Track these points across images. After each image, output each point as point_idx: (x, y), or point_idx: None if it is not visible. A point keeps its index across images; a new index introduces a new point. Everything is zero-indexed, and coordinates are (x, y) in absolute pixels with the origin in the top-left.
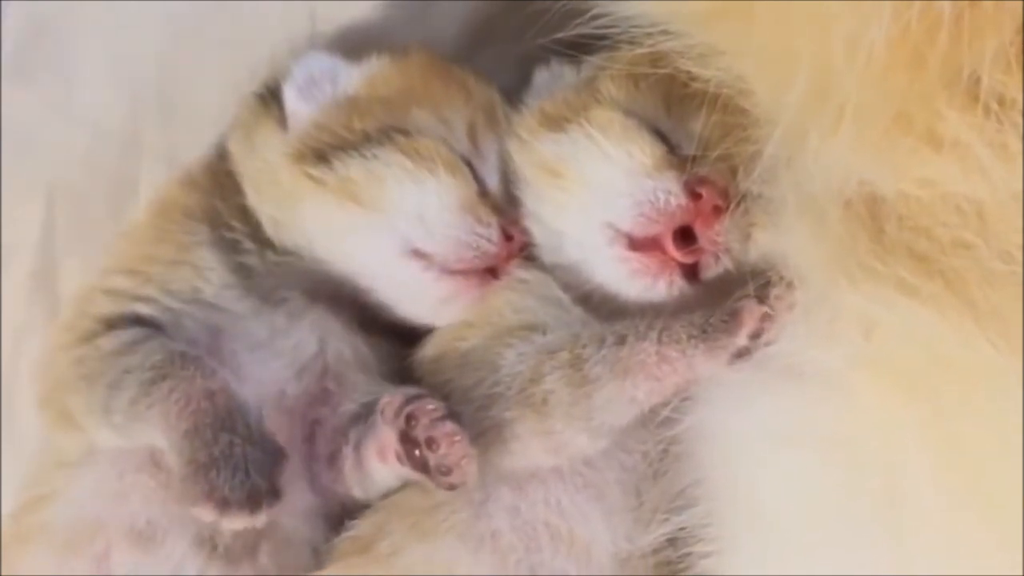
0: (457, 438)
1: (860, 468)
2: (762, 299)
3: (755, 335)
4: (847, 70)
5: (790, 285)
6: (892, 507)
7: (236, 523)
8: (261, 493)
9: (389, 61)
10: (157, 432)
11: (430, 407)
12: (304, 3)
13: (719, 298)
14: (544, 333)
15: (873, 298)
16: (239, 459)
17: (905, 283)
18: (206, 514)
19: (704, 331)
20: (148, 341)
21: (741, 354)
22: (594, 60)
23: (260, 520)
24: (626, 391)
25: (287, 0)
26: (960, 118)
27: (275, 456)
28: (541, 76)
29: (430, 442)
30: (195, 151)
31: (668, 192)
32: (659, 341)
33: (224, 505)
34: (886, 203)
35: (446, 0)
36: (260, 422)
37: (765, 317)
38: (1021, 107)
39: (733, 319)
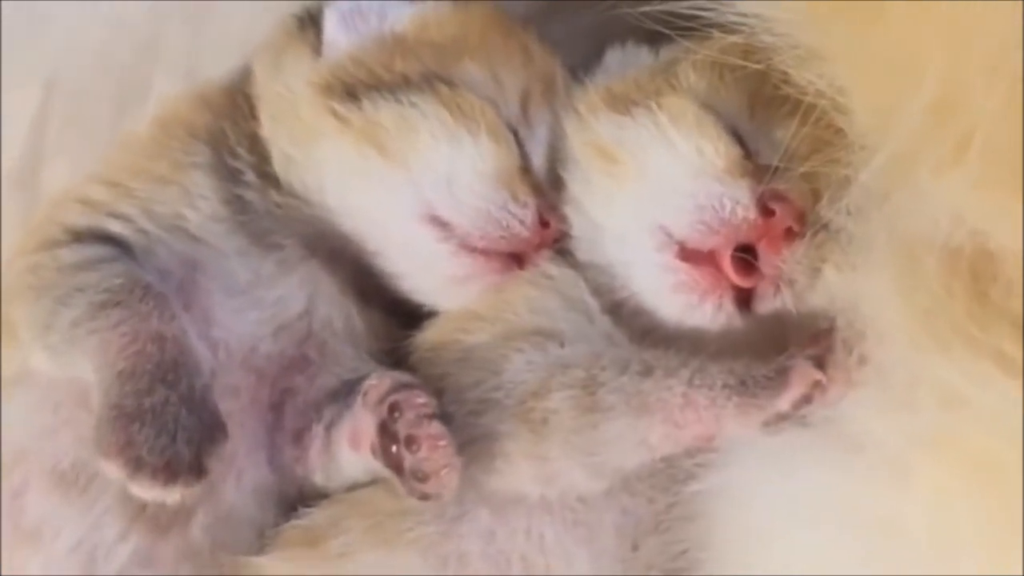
0: (442, 443)
1: (904, 559)
2: (820, 363)
3: (800, 403)
4: (984, 93)
5: (862, 359)
6: None
7: (143, 491)
8: (182, 466)
9: (448, 5)
10: (90, 364)
11: (419, 400)
12: None
13: (768, 343)
14: (561, 345)
15: (964, 370)
16: (169, 420)
17: (1005, 357)
18: (114, 470)
19: (743, 383)
20: (113, 262)
21: (778, 420)
22: (678, 42)
23: (171, 496)
24: (639, 431)
25: None
26: None
27: (212, 431)
28: (613, 55)
29: (410, 441)
30: (216, 68)
31: (736, 201)
32: (689, 382)
33: (136, 466)
34: (995, 260)
35: None
36: (208, 389)
37: (817, 385)
38: None
39: (780, 378)
